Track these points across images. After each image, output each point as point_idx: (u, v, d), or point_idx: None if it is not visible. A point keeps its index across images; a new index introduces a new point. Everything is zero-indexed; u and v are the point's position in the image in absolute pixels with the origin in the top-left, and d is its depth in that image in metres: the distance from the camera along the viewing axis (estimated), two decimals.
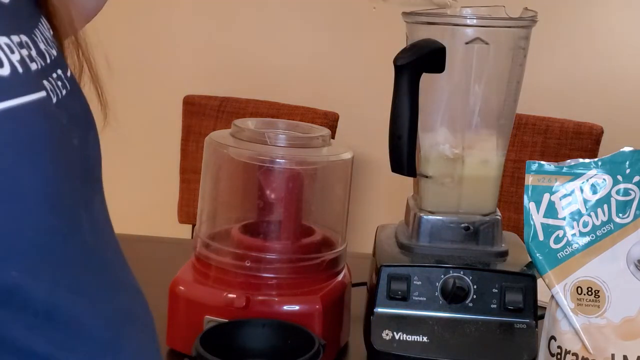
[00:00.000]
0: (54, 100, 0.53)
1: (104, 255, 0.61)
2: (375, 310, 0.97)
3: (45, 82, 0.53)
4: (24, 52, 0.51)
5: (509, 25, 1.03)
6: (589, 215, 0.90)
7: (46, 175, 0.50)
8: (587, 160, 0.91)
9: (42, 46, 0.55)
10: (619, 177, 0.90)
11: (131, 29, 2.52)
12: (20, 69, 0.50)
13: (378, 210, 2.42)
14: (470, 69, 1.02)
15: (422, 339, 0.95)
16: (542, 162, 0.92)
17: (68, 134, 0.55)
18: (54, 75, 0.55)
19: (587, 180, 0.90)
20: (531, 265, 0.94)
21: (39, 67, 0.53)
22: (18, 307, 0.47)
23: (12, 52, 0.50)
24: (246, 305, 0.98)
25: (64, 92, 0.56)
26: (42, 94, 0.51)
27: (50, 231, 0.50)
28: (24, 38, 0.52)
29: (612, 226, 0.89)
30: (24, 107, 0.49)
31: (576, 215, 0.90)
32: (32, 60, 0.52)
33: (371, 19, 2.38)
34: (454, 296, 0.96)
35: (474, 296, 0.96)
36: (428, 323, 0.96)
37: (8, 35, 0.50)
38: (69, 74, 0.58)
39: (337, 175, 1.10)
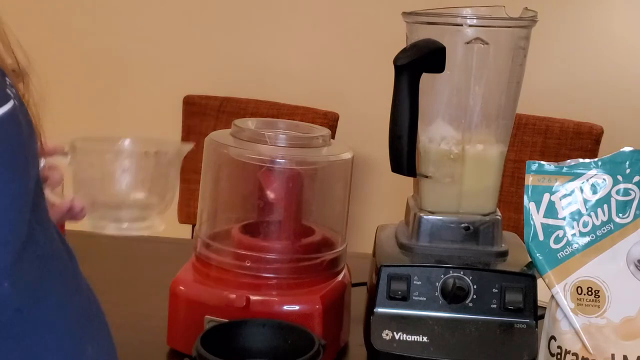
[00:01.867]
0: (19, 108, 0.55)
1: (59, 262, 0.62)
2: (375, 310, 0.97)
3: (8, 90, 0.55)
4: None
5: (509, 25, 1.03)
6: (589, 215, 0.90)
7: (18, 184, 0.53)
8: (587, 161, 0.91)
9: None
10: (619, 177, 0.90)
11: (131, 29, 2.52)
12: None
13: (378, 210, 2.42)
14: (470, 69, 1.02)
15: (422, 339, 0.95)
16: (542, 162, 0.92)
17: (30, 143, 0.56)
18: (8, 83, 0.56)
19: (587, 180, 0.90)
20: (531, 265, 0.94)
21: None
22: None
23: None
24: (246, 305, 0.98)
25: (18, 102, 0.57)
26: (12, 102, 0.53)
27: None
28: None
29: (612, 226, 0.89)
30: (6, 115, 0.51)
31: (576, 215, 0.90)
32: None
33: (371, 19, 2.38)
34: (454, 296, 0.96)
35: (474, 296, 0.96)
36: (428, 323, 0.96)
37: None
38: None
39: (337, 175, 1.10)
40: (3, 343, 0.51)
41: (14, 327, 0.52)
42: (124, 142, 0.90)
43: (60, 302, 0.59)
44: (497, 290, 0.96)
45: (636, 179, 0.90)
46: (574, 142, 2.04)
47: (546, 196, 0.91)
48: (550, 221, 0.91)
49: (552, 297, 0.90)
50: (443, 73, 0.98)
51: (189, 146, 0.87)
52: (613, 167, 0.90)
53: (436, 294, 0.96)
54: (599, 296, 0.88)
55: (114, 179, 0.84)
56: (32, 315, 0.53)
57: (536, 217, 0.91)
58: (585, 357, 0.87)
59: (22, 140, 0.54)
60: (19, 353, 0.52)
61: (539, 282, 0.95)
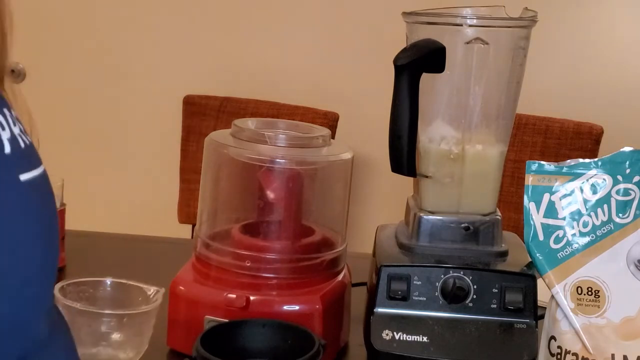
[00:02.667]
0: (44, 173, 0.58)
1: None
2: (375, 310, 0.97)
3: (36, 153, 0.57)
4: (18, 127, 0.55)
5: (509, 25, 1.03)
6: (589, 215, 0.90)
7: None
8: (587, 160, 0.91)
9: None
10: (619, 177, 0.90)
11: (131, 29, 2.52)
12: (27, 142, 0.54)
13: (378, 210, 2.42)
14: (470, 69, 1.02)
15: (422, 339, 0.95)
16: (542, 162, 0.92)
17: (53, 205, 0.59)
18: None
19: (587, 180, 0.90)
20: (531, 265, 0.94)
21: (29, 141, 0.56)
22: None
23: (15, 125, 0.54)
24: (246, 305, 0.98)
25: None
26: (42, 167, 0.56)
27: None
28: (8, 112, 0.55)
29: (612, 226, 0.89)
30: (39, 177, 0.54)
31: (576, 215, 0.90)
32: (24, 133, 0.56)
33: (371, 19, 2.38)
34: (454, 296, 0.96)
35: (474, 296, 0.96)
36: (428, 323, 0.96)
37: (5, 109, 0.54)
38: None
39: (337, 175, 1.10)
40: None
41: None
42: (105, 284, 1.00)
43: (67, 346, 0.62)
44: (497, 290, 0.96)
45: (636, 179, 0.90)
46: (574, 142, 2.04)
47: (546, 196, 0.91)
48: (550, 221, 0.91)
49: (552, 297, 0.90)
50: (443, 73, 0.98)
51: (160, 295, 0.98)
52: (613, 167, 0.90)
53: (436, 294, 0.96)
54: (599, 296, 0.88)
55: (94, 341, 0.93)
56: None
57: (536, 217, 0.91)
58: (585, 357, 0.87)
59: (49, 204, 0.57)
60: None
61: (539, 282, 0.95)
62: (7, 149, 0.51)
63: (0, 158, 0.51)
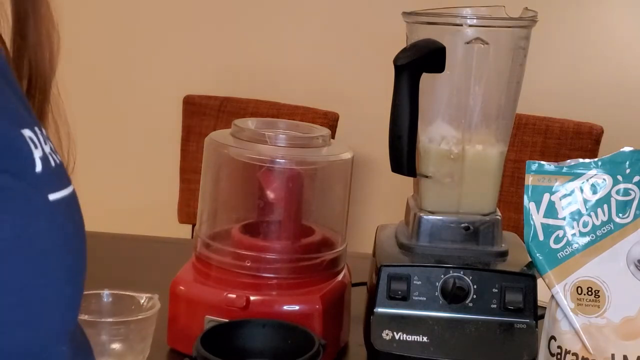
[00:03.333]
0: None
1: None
2: (375, 310, 0.97)
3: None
4: (49, 145, 0.54)
5: (509, 25, 1.03)
6: (589, 215, 0.90)
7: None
8: (587, 160, 0.91)
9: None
10: (619, 177, 0.90)
11: (131, 29, 2.52)
12: (57, 161, 0.54)
13: (378, 210, 2.42)
14: (470, 69, 1.02)
15: (422, 339, 0.95)
16: (542, 162, 0.92)
17: (81, 224, 0.58)
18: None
19: (587, 180, 0.90)
20: (531, 265, 0.94)
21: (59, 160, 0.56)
22: None
23: (46, 143, 0.53)
24: (246, 305, 0.98)
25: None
26: (71, 187, 0.55)
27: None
28: (39, 131, 0.54)
29: (612, 226, 0.89)
30: (67, 198, 0.54)
31: (576, 215, 0.90)
32: (55, 152, 0.55)
33: (371, 19, 2.38)
34: (454, 296, 0.96)
35: (474, 296, 0.96)
36: (428, 323, 0.96)
37: (36, 127, 0.53)
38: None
39: (337, 175, 1.10)
40: None
41: None
42: (103, 297, 1.00)
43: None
44: (497, 290, 0.96)
45: (636, 179, 0.90)
46: (574, 142, 2.04)
47: (546, 196, 0.91)
48: (550, 221, 0.91)
49: (552, 297, 0.90)
50: (443, 73, 0.98)
51: (155, 300, 0.99)
52: (613, 167, 0.90)
53: (436, 294, 0.96)
54: (599, 296, 0.88)
55: (100, 352, 0.93)
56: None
57: (536, 217, 0.91)
58: (585, 357, 0.87)
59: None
60: None
61: (539, 282, 0.95)
62: (39, 167, 0.50)
63: (31, 177, 0.50)
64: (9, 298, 0.47)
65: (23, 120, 0.51)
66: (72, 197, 0.55)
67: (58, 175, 0.53)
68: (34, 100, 0.61)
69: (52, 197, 0.51)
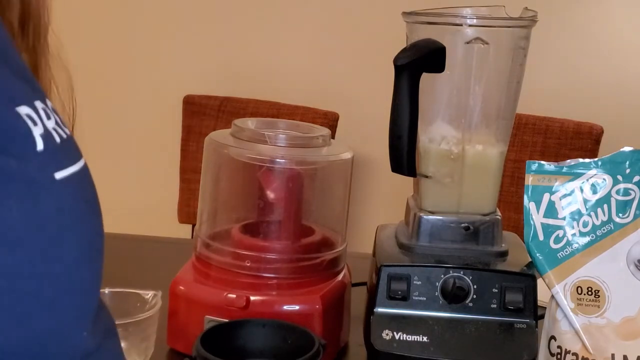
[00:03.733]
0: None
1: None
2: (375, 310, 0.97)
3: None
4: (53, 119, 0.51)
5: (509, 25, 1.03)
6: (589, 215, 0.90)
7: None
8: (587, 160, 0.91)
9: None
10: (619, 177, 0.90)
11: (131, 28, 2.52)
12: (64, 135, 0.51)
13: (378, 210, 2.42)
14: (470, 68, 1.02)
15: (422, 339, 0.95)
16: (542, 162, 0.92)
17: (94, 201, 0.55)
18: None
19: (587, 180, 0.90)
20: (531, 265, 0.94)
21: (68, 133, 0.53)
22: None
23: (49, 118, 0.50)
24: (246, 305, 0.98)
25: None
26: (82, 161, 0.52)
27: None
28: (42, 104, 0.51)
29: (612, 226, 0.89)
30: (77, 173, 0.50)
31: (576, 215, 0.90)
32: (61, 126, 0.52)
33: (371, 19, 2.38)
34: (454, 296, 0.96)
35: (474, 296, 0.96)
36: (428, 323, 0.96)
37: (38, 101, 0.50)
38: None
39: (337, 175, 1.10)
40: None
41: None
42: (103, 295, 1.00)
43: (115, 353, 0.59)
44: (497, 290, 0.96)
45: (636, 178, 0.90)
46: (574, 142, 2.04)
47: (546, 196, 0.91)
48: (550, 221, 0.91)
49: (552, 297, 0.90)
50: (443, 73, 0.98)
51: (159, 298, 1.00)
52: (613, 167, 0.90)
53: (436, 294, 0.96)
54: (599, 296, 0.88)
55: None
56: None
57: (536, 217, 0.91)
58: (585, 357, 0.87)
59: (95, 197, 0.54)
60: None
61: (539, 282, 0.95)
62: (40, 145, 0.47)
63: (33, 156, 0.46)
64: (23, 287, 0.45)
65: (20, 95, 0.48)
66: (83, 172, 0.51)
67: (65, 150, 0.50)
68: (28, 48, 0.58)
69: (59, 175, 0.48)
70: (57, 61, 0.62)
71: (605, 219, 0.90)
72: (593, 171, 0.90)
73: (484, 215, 1.04)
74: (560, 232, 0.90)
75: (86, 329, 0.51)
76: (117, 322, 0.93)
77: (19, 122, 0.46)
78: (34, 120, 0.48)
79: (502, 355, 0.94)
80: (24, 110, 0.47)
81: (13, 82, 0.49)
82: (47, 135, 0.48)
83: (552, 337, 0.90)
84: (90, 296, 0.52)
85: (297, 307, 0.99)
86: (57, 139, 0.49)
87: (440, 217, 1.03)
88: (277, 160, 1.03)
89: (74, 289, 0.49)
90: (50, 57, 0.61)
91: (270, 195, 1.04)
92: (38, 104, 0.49)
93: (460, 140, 1.04)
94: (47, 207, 0.47)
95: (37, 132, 0.47)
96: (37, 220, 0.46)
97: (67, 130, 0.52)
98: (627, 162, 0.90)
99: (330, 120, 2.16)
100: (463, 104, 1.04)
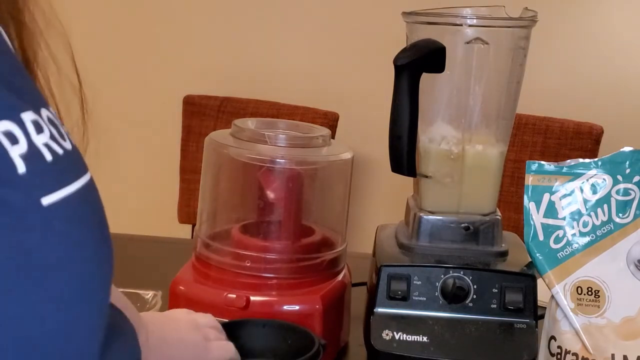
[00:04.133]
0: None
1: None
2: (375, 310, 0.97)
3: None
4: (47, 132, 0.45)
5: (509, 25, 1.03)
6: (589, 215, 0.90)
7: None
8: (587, 160, 0.91)
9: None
10: (619, 177, 0.90)
11: (131, 28, 2.52)
12: (59, 151, 0.45)
13: (378, 210, 2.42)
14: (470, 68, 1.02)
15: (422, 339, 0.95)
16: (542, 162, 0.92)
17: (97, 223, 0.49)
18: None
19: (587, 180, 0.90)
20: (531, 265, 0.94)
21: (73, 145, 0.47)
22: None
23: (40, 131, 0.44)
24: (246, 305, 0.98)
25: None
26: (81, 180, 0.46)
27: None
28: (34, 115, 0.45)
29: (612, 226, 0.89)
30: (74, 195, 0.45)
31: (576, 215, 0.90)
32: (57, 139, 0.46)
33: (371, 19, 2.38)
34: (454, 296, 0.96)
35: (474, 296, 0.96)
36: (428, 323, 0.96)
37: (29, 111, 0.44)
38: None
39: (337, 175, 1.10)
40: None
41: None
42: None
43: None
44: (497, 290, 0.96)
45: (636, 178, 0.90)
46: (574, 142, 2.04)
47: (546, 196, 0.91)
48: (550, 221, 0.91)
49: (552, 297, 0.90)
50: (443, 73, 0.98)
51: (159, 297, 1.02)
52: (613, 167, 0.90)
53: (436, 294, 0.96)
54: (599, 296, 0.88)
55: None
56: None
57: (536, 217, 0.91)
58: (585, 357, 0.87)
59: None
60: None
61: (539, 282, 0.95)
62: (21, 168, 0.41)
63: (12, 181, 0.40)
64: (15, 333, 0.39)
65: None
66: (84, 190, 0.45)
67: (58, 170, 0.44)
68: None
69: (47, 200, 0.42)
70: (50, 30, 0.55)
71: (605, 219, 0.90)
72: (593, 171, 0.90)
73: (484, 215, 1.04)
74: (560, 232, 0.90)
75: (97, 339, 0.46)
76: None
77: None
78: (14, 138, 0.41)
79: (502, 356, 0.94)
80: (1, 127, 0.41)
81: None
82: (32, 154, 0.42)
83: (552, 337, 0.90)
84: (94, 334, 0.46)
85: (297, 307, 0.99)
86: (49, 157, 0.43)
87: (440, 217, 1.03)
88: (277, 160, 1.03)
89: (74, 328, 0.43)
90: (41, 31, 0.53)
91: (270, 195, 1.04)
92: (26, 116, 0.43)
93: (460, 140, 1.04)
94: (32, 237, 0.41)
95: (15, 152, 0.41)
96: (21, 254, 0.40)
97: (66, 143, 0.46)
98: (627, 162, 0.90)
99: (330, 120, 2.16)
100: (463, 104, 1.04)
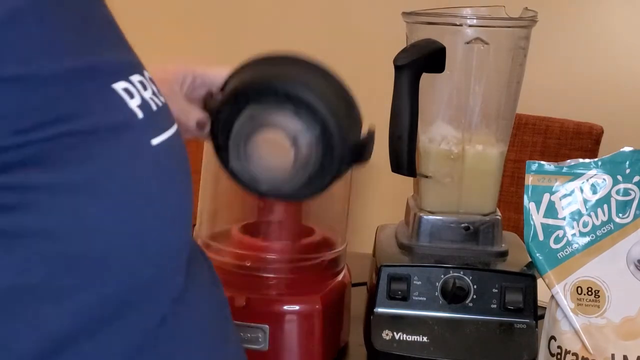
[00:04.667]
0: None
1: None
2: (375, 310, 0.97)
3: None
4: (150, 89, 0.55)
5: (509, 25, 1.03)
6: (589, 215, 0.90)
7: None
8: (587, 160, 0.91)
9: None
10: (619, 177, 0.90)
11: (131, 29, 2.51)
12: (160, 104, 0.55)
13: (378, 210, 2.42)
14: (470, 69, 1.02)
15: (422, 339, 0.95)
16: (542, 162, 0.92)
17: (186, 162, 0.59)
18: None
19: (587, 180, 0.90)
20: (531, 265, 0.94)
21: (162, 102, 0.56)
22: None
23: (146, 89, 0.54)
24: (246, 305, 0.98)
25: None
26: (174, 127, 0.56)
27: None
28: (139, 77, 0.55)
29: (612, 226, 0.89)
30: (170, 139, 0.55)
31: (576, 215, 0.90)
32: (157, 94, 0.56)
33: (371, 19, 2.38)
34: (454, 296, 0.96)
35: (474, 296, 0.96)
36: (428, 323, 0.96)
37: (136, 74, 0.54)
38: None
39: None
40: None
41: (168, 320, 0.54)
42: None
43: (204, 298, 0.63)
44: (497, 290, 0.96)
45: (636, 179, 0.90)
46: (574, 142, 2.04)
47: (546, 196, 0.91)
48: (550, 221, 0.91)
49: (552, 297, 0.90)
50: (443, 73, 0.98)
51: None
52: (613, 167, 0.90)
53: (436, 294, 0.96)
54: (599, 296, 0.88)
55: None
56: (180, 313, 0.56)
57: (536, 217, 0.91)
58: (585, 357, 0.87)
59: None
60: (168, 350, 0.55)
61: (539, 282, 0.95)
62: (140, 115, 0.51)
63: (134, 125, 0.51)
64: (115, 240, 0.48)
65: (116, 72, 0.52)
66: (175, 137, 0.55)
67: (161, 118, 0.54)
68: None
69: (155, 141, 0.52)
70: None
71: (605, 219, 0.90)
72: (593, 171, 0.90)
73: (484, 215, 1.04)
74: (560, 232, 0.90)
75: (180, 274, 0.56)
76: None
77: (118, 99, 0.50)
78: (131, 93, 0.52)
79: (502, 356, 0.94)
80: (120, 85, 0.51)
81: (111, 57, 0.53)
82: (144, 105, 0.52)
83: (552, 337, 0.90)
84: (185, 241, 0.57)
85: (297, 307, 0.99)
86: (154, 107, 0.54)
87: (440, 217, 1.03)
88: None
89: (167, 245, 0.53)
90: None
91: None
92: (133, 78, 0.53)
93: (460, 140, 1.04)
94: (146, 169, 0.51)
95: (134, 103, 0.51)
96: (136, 182, 0.50)
97: (162, 99, 0.56)
98: (627, 162, 0.90)
99: None
100: (463, 104, 1.04)
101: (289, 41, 2.47)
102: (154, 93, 0.55)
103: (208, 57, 2.49)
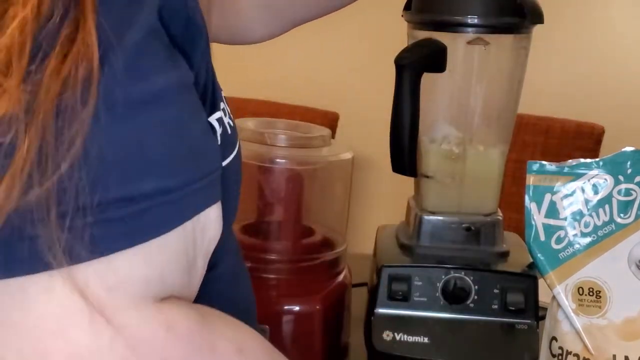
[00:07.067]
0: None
1: None
2: (375, 310, 0.96)
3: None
4: (228, 115, 0.61)
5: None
6: (591, 215, 0.90)
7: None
8: (588, 161, 0.91)
9: None
10: (621, 177, 0.90)
11: None
12: (232, 123, 0.61)
13: (379, 210, 2.42)
14: (472, 68, 1.02)
15: (423, 339, 0.94)
16: (544, 162, 0.92)
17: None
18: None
19: (589, 181, 0.90)
20: (532, 265, 0.94)
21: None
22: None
23: (225, 115, 0.59)
24: None
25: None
26: (237, 144, 0.62)
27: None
28: (224, 104, 0.61)
29: (613, 226, 0.89)
30: (235, 158, 0.61)
31: (577, 216, 0.90)
32: (229, 115, 0.62)
33: (371, 19, 2.38)
34: (455, 297, 0.96)
35: (475, 297, 0.96)
36: (429, 324, 0.95)
37: (222, 102, 0.60)
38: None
39: (337, 175, 1.10)
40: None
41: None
42: None
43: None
44: (498, 291, 0.96)
45: (638, 179, 0.90)
46: (575, 142, 2.04)
47: (547, 196, 0.91)
48: (552, 221, 0.90)
49: (554, 297, 0.90)
50: (444, 73, 0.98)
51: None
52: (614, 167, 0.90)
53: (437, 295, 0.96)
54: (600, 297, 0.88)
55: None
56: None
57: (537, 217, 0.91)
58: (586, 357, 0.86)
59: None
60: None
61: (540, 282, 0.94)
62: (219, 141, 0.56)
63: (214, 149, 0.55)
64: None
65: (214, 100, 0.57)
66: (238, 154, 0.61)
67: (231, 141, 0.60)
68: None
69: (225, 162, 0.57)
70: None
71: (606, 219, 0.89)
72: (594, 171, 0.90)
73: (485, 215, 1.04)
74: (562, 233, 0.90)
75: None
76: None
77: (211, 137, 0.55)
78: (221, 122, 0.57)
79: (503, 357, 0.94)
80: (215, 116, 0.57)
81: (208, 90, 0.57)
82: (224, 132, 0.58)
83: (554, 338, 0.90)
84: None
85: (297, 308, 0.99)
86: (229, 131, 0.59)
87: (441, 218, 1.03)
88: (277, 160, 1.03)
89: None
90: None
91: (270, 195, 1.04)
92: (221, 104, 0.58)
93: (461, 140, 1.04)
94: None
95: (218, 132, 0.56)
96: (209, 198, 0.54)
97: (232, 120, 0.61)
98: (629, 162, 0.90)
99: (330, 120, 2.16)
100: (464, 104, 1.04)
101: (289, 41, 2.47)
102: (229, 116, 0.60)
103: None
